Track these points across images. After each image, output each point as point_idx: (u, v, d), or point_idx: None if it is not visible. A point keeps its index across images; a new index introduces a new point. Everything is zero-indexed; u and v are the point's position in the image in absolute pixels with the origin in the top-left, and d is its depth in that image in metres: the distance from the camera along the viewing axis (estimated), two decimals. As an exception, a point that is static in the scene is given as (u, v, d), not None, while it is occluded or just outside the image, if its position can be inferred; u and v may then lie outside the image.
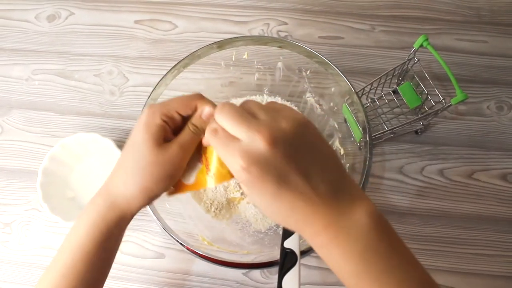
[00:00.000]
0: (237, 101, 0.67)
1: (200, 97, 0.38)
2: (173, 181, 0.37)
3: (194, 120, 0.37)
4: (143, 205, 0.38)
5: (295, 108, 0.66)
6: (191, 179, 0.40)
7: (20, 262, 0.63)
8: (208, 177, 0.37)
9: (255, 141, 0.30)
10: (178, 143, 0.36)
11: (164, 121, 0.36)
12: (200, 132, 0.37)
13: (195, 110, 0.38)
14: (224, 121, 0.32)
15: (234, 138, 0.31)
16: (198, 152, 0.39)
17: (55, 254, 0.39)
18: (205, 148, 0.38)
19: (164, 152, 0.35)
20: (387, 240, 0.32)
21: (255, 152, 0.30)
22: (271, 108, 0.33)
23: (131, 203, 0.37)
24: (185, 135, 0.37)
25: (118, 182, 0.37)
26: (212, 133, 0.32)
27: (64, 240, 0.39)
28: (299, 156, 0.31)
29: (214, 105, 0.37)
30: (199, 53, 0.56)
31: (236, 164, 0.30)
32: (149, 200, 0.38)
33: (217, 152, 0.35)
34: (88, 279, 0.38)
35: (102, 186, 0.39)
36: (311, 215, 0.31)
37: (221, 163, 0.35)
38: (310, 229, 0.32)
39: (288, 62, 0.62)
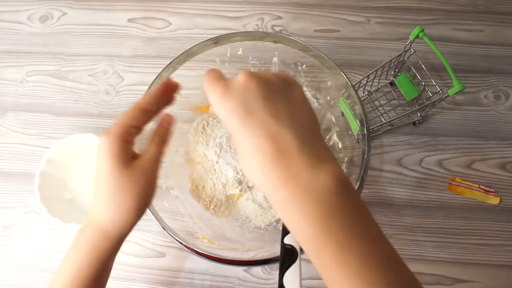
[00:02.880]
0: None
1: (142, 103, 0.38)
2: (151, 191, 0.38)
3: (157, 131, 0.40)
4: (133, 224, 0.39)
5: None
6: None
7: (20, 265, 0.63)
8: None
9: (237, 77, 0.32)
10: (147, 159, 0.38)
11: (125, 141, 0.36)
12: (163, 140, 0.40)
13: (147, 117, 0.38)
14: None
15: (222, 79, 0.33)
16: None
17: (48, 285, 0.39)
18: None
19: (135, 170, 0.37)
20: (351, 208, 0.30)
21: (232, 86, 0.31)
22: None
23: (121, 226, 0.38)
24: (152, 149, 0.39)
25: (103, 211, 0.37)
26: (206, 73, 0.34)
27: (55, 273, 0.39)
28: (272, 97, 0.31)
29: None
30: (194, 50, 0.56)
31: (214, 98, 0.32)
32: (137, 217, 0.38)
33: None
34: None
35: (87, 217, 0.39)
36: (273, 162, 0.29)
37: None
38: (272, 179, 0.30)
39: (284, 56, 0.62)
